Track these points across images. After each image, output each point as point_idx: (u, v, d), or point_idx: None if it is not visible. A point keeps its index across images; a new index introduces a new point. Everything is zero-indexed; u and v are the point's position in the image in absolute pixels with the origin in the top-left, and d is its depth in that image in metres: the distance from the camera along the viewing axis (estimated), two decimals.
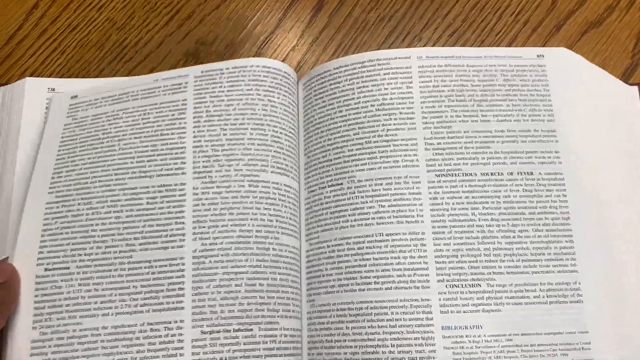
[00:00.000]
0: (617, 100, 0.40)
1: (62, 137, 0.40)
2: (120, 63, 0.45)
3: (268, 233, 0.36)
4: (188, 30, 0.45)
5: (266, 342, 0.34)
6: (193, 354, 0.33)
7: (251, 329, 0.34)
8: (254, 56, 0.44)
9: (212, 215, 0.36)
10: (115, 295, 0.35)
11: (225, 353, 0.33)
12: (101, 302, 0.35)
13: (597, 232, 0.36)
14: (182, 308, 0.34)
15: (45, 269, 0.36)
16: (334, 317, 0.35)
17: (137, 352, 0.34)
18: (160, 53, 0.45)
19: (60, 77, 0.44)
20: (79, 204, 0.37)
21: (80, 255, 0.36)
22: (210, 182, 0.37)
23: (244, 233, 0.35)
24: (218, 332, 0.34)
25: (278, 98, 0.39)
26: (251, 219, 0.36)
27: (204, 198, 0.36)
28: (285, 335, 0.35)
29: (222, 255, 0.35)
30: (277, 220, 0.36)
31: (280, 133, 0.38)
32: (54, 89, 0.42)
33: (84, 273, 0.35)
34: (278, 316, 0.35)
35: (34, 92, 0.41)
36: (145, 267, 0.35)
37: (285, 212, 0.37)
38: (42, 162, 0.39)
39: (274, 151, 0.38)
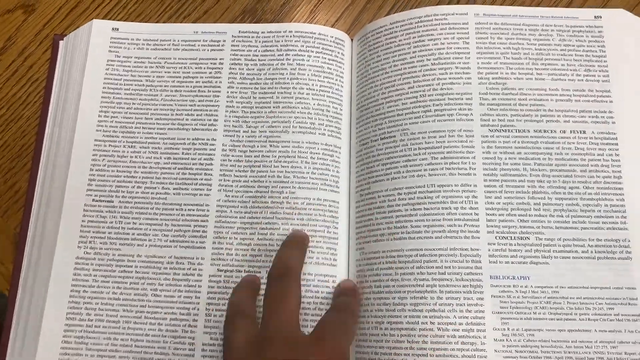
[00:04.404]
0: None
1: (106, 74, 0.42)
2: (179, 18, 0.46)
3: (283, 188, 0.39)
4: None
5: None
6: (209, 287, 0.38)
7: (259, 272, 0.38)
8: (308, 14, 0.45)
9: (236, 171, 0.40)
10: (150, 229, 0.39)
11: None
12: (137, 234, 0.39)
13: None
14: (204, 248, 0.39)
15: (93, 200, 0.40)
16: (383, 263, 0.36)
17: (164, 279, 0.38)
18: (219, 9, 0.46)
19: None
20: (124, 146, 0.41)
21: (123, 192, 0.40)
22: (238, 140, 0.40)
23: (261, 188, 0.39)
24: (231, 271, 0.38)
25: (308, 60, 0.41)
26: (269, 176, 0.39)
27: (230, 155, 0.40)
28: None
29: (241, 206, 0.39)
30: (294, 176, 0.39)
31: (308, 94, 0.40)
32: (117, 29, 0.44)
33: (125, 207, 0.40)
34: None
35: (99, 32, 0.44)
36: (176, 209, 0.39)
37: (306, 167, 0.39)
38: (88, 96, 0.42)
39: (298, 112, 0.40)
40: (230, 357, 0.32)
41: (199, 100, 0.42)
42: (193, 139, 0.41)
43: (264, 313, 0.34)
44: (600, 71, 0.39)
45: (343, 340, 0.33)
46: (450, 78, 0.39)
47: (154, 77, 0.43)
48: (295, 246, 0.37)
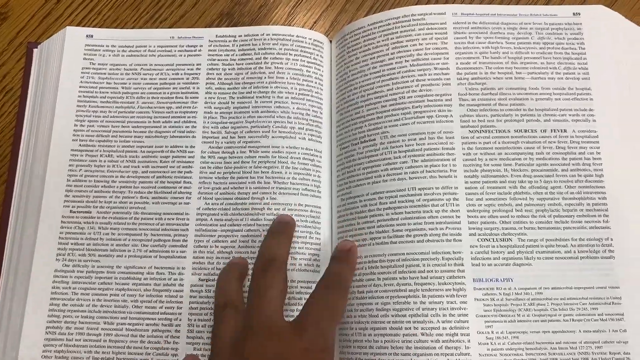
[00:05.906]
0: None
1: (81, 82, 0.41)
2: (155, 23, 0.45)
3: (264, 194, 0.38)
4: None
5: None
6: (191, 296, 0.37)
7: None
8: (286, 17, 0.45)
9: (215, 178, 0.39)
10: (129, 240, 0.38)
11: None
12: (117, 245, 0.38)
13: (631, 189, 0.36)
14: (185, 257, 0.38)
15: (71, 211, 0.39)
16: (365, 269, 0.36)
17: (145, 290, 0.38)
18: (196, 13, 0.45)
19: None
20: (101, 155, 0.40)
21: (101, 202, 0.39)
22: (217, 147, 0.40)
23: (241, 195, 0.39)
24: (213, 280, 0.37)
25: (286, 63, 0.41)
26: (249, 182, 0.39)
27: (210, 162, 0.40)
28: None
29: (221, 214, 0.38)
30: (275, 182, 0.38)
31: (287, 98, 0.40)
32: (92, 36, 0.43)
33: (103, 218, 0.39)
34: None
35: (73, 40, 0.43)
36: (155, 219, 0.39)
37: (286, 172, 0.38)
38: (63, 105, 0.41)
39: (278, 116, 0.40)
40: (215, 348, 0.32)
41: (177, 107, 0.41)
42: (171, 147, 0.40)
43: (247, 305, 0.34)
44: (580, 69, 0.39)
45: (328, 324, 0.33)
46: (429, 79, 0.38)
47: (130, 84, 0.42)
48: (280, 233, 0.36)
